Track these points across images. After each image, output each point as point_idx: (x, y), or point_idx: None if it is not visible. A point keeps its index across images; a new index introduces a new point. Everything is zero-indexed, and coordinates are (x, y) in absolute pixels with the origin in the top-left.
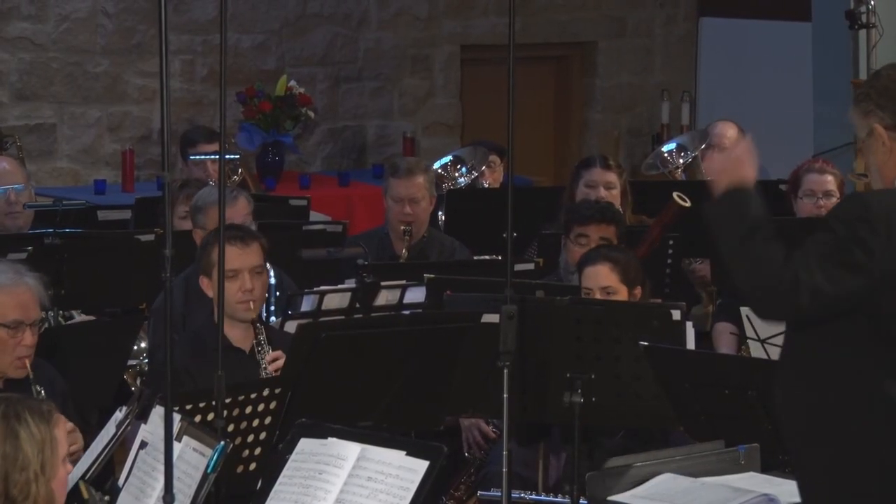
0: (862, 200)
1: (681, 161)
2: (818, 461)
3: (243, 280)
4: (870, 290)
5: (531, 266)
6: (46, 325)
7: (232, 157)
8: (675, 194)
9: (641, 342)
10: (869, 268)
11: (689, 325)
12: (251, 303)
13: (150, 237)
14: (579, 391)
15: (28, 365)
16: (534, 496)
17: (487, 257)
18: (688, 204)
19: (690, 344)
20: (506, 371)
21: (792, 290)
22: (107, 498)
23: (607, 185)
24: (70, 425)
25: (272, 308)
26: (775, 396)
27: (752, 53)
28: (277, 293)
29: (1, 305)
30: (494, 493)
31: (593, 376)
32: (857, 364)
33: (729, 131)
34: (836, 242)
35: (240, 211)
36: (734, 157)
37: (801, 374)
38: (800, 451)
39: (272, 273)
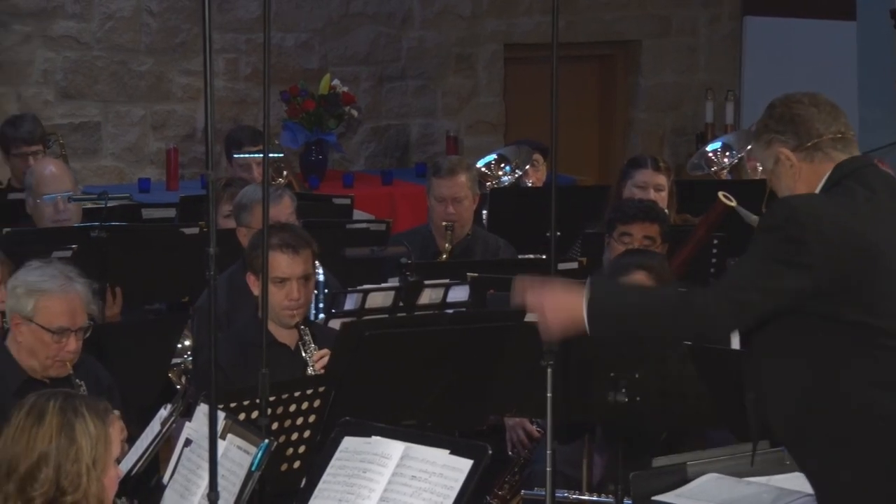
0: (786, 203)
1: (725, 161)
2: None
3: (290, 289)
4: (809, 287)
5: (574, 265)
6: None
7: (275, 155)
8: (720, 194)
9: (686, 342)
10: (802, 263)
11: None
12: (296, 311)
13: (195, 230)
14: (623, 390)
15: (69, 365)
16: (578, 495)
17: (531, 256)
18: (734, 204)
19: (735, 344)
20: (549, 370)
21: (720, 318)
22: None
23: (657, 187)
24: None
25: (320, 305)
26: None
27: (796, 52)
28: (326, 290)
29: (48, 311)
30: (538, 492)
31: (637, 376)
32: (825, 358)
33: None
34: (764, 249)
35: (284, 210)
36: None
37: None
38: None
39: (321, 272)
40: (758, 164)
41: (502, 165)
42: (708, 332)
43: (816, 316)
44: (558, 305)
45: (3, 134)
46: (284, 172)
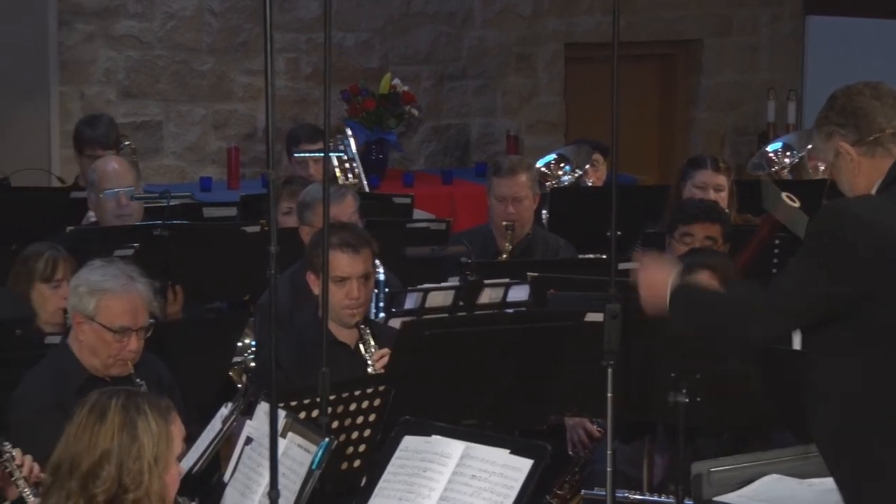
0: (835, 208)
1: (787, 160)
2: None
3: (350, 288)
4: (855, 294)
5: (635, 265)
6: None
7: (336, 154)
8: (784, 195)
9: (740, 342)
10: (848, 270)
11: None
12: (356, 310)
13: (256, 229)
14: (684, 391)
15: (130, 365)
16: (638, 495)
17: (591, 256)
18: (797, 204)
19: (796, 344)
20: (609, 370)
21: (765, 323)
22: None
23: (717, 188)
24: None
25: (380, 304)
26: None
27: (858, 51)
28: (386, 289)
29: (110, 310)
30: (599, 492)
31: (698, 376)
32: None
33: None
34: (812, 254)
35: (346, 209)
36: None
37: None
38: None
39: (381, 271)
40: (819, 164)
41: (562, 165)
42: (753, 336)
43: (866, 320)
44: (651, 282)
45: (79, 133)
46: (355, 170)
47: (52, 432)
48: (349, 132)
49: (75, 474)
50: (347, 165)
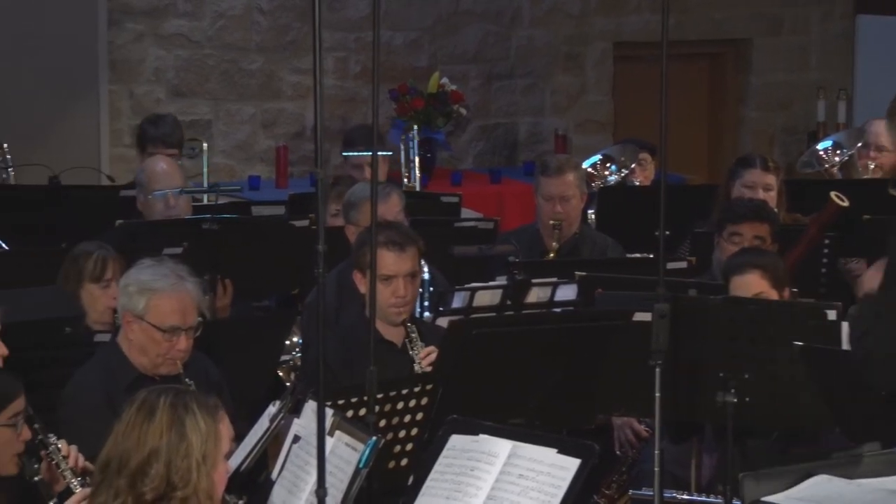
0: None
1: (836, 159)
2: None
3: (397, 286)
4: None
5: (683, 264)
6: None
7: (384, 154)
8: (833, 194)
9: (796, 342)
10: None
11: (844, 325)
12: (402, 308)
13: (305, 222)
14: (733, 391)
15: (179, 364)
16: (686, 496)
17: (639, 255)
18: (846, 203)
19: (846, 345)
20: (658, 370)
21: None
22: (240, 502)
23: (766, 187)
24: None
25: (425, 304)
26: None
27: None
28: (431, 289)
29: (159, 310)
30: (646, 491)
31: (747, 376)
32: None
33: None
34: None
35: (392, 208)
36: None
37: None
38: None
39: (426, 269)
40: (869, 163)
41: (608, 165)
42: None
43: None
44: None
45: (143, 131)
46: (413, 167)
47: (101, 430)
48: (415, 129)
49: (124, 472)
50: (406, 163)
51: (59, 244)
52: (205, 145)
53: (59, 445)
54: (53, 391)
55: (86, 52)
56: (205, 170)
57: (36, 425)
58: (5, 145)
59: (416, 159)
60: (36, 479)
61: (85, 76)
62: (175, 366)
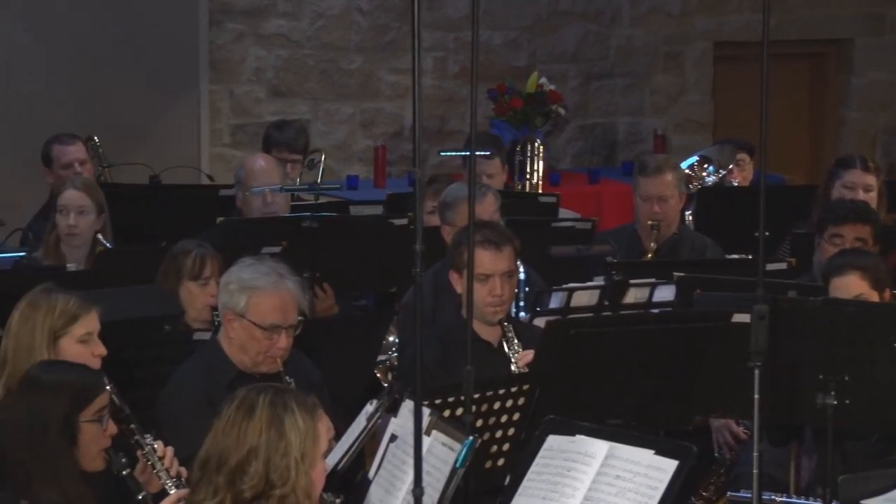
0: None
1: None
2: None
3: (493, 285)
4: None
5: (783, 266)
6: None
7: (483, 153)
8: None
9: None
10: None
11: None
12: (499, 307)
13: (404, 221)
14: (832, 393)
15: (279, 362)
16: (785, 498)
17: (738, 256)
18: None
19: None
20: (756, 371)
21: None
22: (338, 501)
23: (866, 188)
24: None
25: (521, 304)
26: None
27: None
28: (527, 289)
29: (260, 308)
30: (745, 494)
31: (847, 378)
32: None
33: None
34: None
35: (487, 208)
36: None
37: None
38: None
39: (521, 269)
40: None
41: (705, 166)
42: None
43: None
44: None
45: (269, 135)
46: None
47: (201, 427)
48: (539, 139)
49: (223, 470)
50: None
51: (158, 243)
52: (323, 156)
53: (156, 446)
54: (153, 389)
55: (187, 52)
56: (319, 179)
57: (133, 425)
58: (96, 138)
59: (541, 164)
60: (124, 473)
61: (186, 76)
62: (275, 364)
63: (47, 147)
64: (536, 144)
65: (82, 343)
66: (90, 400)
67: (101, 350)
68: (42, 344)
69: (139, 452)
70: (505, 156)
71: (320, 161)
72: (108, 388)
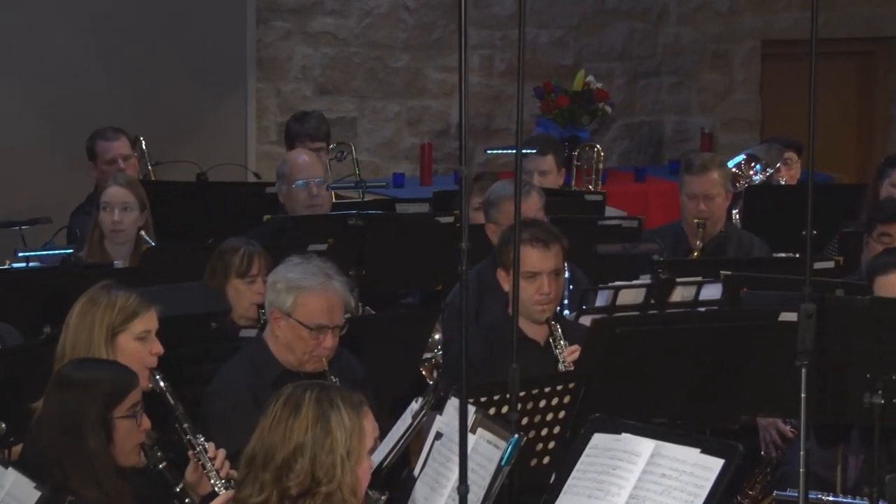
0: None
1: None
2: None
3: (541, 283)
4: None
5: (831, 264)
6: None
7: (528, 152)
8: None
9: None
10: None
11: None
12: (546, 305)
13: (450, 219)
14: (880, 392)
15: (325, 361)
16: (831, 497)
17: (785, 255)
18: None
19: None
20: (803, 370)
21: None
22: (383, 498)
23: None
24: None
25: (565, 302)
26: None
27: None
28: (570, 287)
29: (307, 308)
30: (791, 493)
31: (894, 377)
32: None
33: None
34: None
35: (531, 206)
36: None
37: None
38: None
39: (566, 267)
40: None
41: (752, 165)
42: None
43: None
44: None
45: (289, 129)
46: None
47: (246, 425)
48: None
49: (269, 466)
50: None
51: (205, 240)
52: (353, 149)
53: (207, 447)
54: (198, 387)
55: (234, 50)
56: (356, 170)
57: (186, 425)
58: (142, 140)
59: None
60: (160, 466)
61: (233, 74)
62: (321, 363)
63: (91, 141)
64: (597, 148)
65: (140, 340)
66: (123, 396)
67: (159, 348)
68: (100, 340)
69: (190, 452)
70: (561, 156)
71: (349, 153)
72: (162, 385)
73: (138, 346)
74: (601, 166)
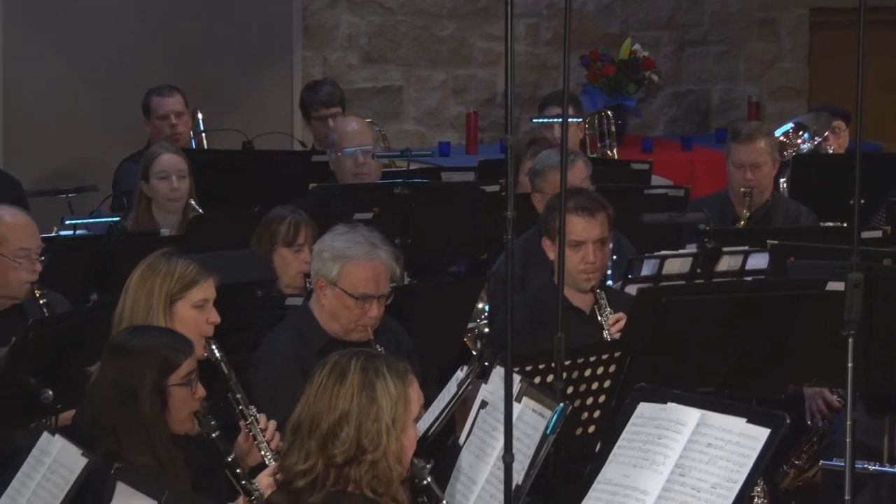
0: None
1: None
2: None
3: (587, 252)
4: None
5: (878, 234)
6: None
7: (574, 120)
8: None
9: None
10: None
11: None
12: (591, 274)
13: (495, 188)
14: None
15: (370, 331)
16: (878, 467)
17: (832, 224)
18: None
19: None
20: (850, 340)
21: None
22: (429, 466)
23: None
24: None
25: (609, 272)
26: None
27: None
28: (615, 256)
29: (353, 277)
30: (837, 462)
31: None
32: None
33: None
34: None
35: (577, 174)
36: None
37: None
38: None
39: (611, 236)
40: None
41: (800, 133)
42: None
43: None
44: None
45: (303, 100)
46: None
47: (292, 392)
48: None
49: (315, 434)
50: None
51: (251, 208)
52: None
53: (259, 418)
54: (245, 354)
55: (280, 18)
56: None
57: (238, 395)
58: (199, 115)
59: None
60: (213, 435)
61: (279, 42)
62: (366, 332)
63: (147, 97)
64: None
65: (197, 308)
66: (178, 364)
67: (216, 317)
68: (158, 306)
69: (242, 423)
70: (585, 117)
71: (380, 132)
72: (217, 354)
73: (195, 314)
74: (612, 129)
